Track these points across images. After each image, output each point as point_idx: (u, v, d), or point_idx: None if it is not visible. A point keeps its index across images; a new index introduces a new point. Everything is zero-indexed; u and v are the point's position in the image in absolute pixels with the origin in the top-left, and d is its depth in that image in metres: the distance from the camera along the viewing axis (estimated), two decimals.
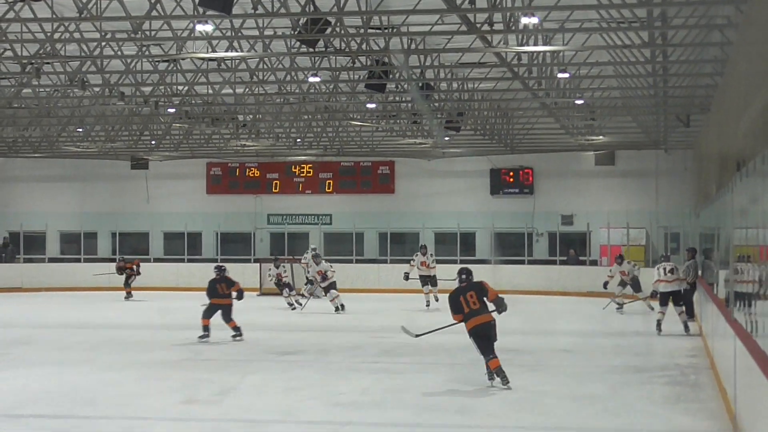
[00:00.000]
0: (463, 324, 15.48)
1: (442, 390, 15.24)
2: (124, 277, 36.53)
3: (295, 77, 28.48)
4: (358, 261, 41.42)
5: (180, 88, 30.82)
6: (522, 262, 40.31)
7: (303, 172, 46.80)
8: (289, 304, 31.10)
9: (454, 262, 40.51)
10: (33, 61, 26.56)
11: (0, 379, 16.33)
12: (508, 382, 14.84)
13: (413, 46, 24.97)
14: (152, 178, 46.77)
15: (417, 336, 16.99)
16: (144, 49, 25.53)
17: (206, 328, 21.37)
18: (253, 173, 47.24)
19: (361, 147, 43.55)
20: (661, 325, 22.66)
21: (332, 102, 32.70)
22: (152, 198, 46.91)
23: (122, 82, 29.50)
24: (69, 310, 31.45)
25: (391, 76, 26.75)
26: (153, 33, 23.59)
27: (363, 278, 39.42)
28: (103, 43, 24.64)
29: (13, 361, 18.63)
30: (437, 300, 29.39)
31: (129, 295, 36.18)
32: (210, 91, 31.27)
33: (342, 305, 29.25)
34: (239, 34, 23.52)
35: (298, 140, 41.58)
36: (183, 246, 44.35)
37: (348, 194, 46.20)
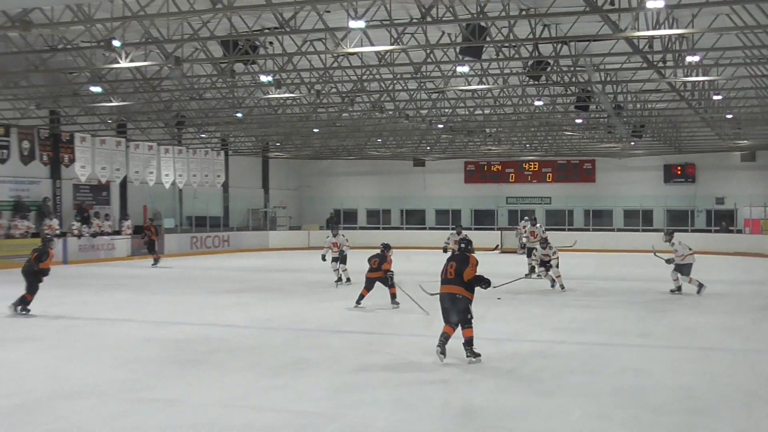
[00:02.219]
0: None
1: (630, 319, 14.98)
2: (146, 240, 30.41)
3: (524, 101, 28.44)
4: (569, 230, 41.06)
5: (446, 110, 31.17)
6: (686, 231, 39.43)
7: (531, 168, 46.90)
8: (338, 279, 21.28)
9: (637, 230, 40.28)
10: (349, 95, 27.33)
11: (323, 308, 16.79)
12: (440, 352, 10.80)
13: (608, 78, 24.61)
14: (427, 172, 47.59)
15: (432, 294, 13.05)
16: (421, 84, 25.93)
17: (361, 296, 16.22)
18: (496, 168, 47.48)
19: (571, 150, 43.39)
20: None
21: (551, 118, 32.44)
22: (427, 186, 47.64)
23: (407, 108, 30.02)
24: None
25: (592, 99, 26.44)
26: (428, 73, 23.94)
27: (571, 241, 39.01)
28: (395, 81, 25.15)
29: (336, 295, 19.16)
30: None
31: (155, 261, 29.31)
32: (466, 112, 31.47)
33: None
34: (486, 72, 23.61)
35: (527, 145, 41.50)
36: (455, 217, 45.06)
37: (562, 183, 46.06)
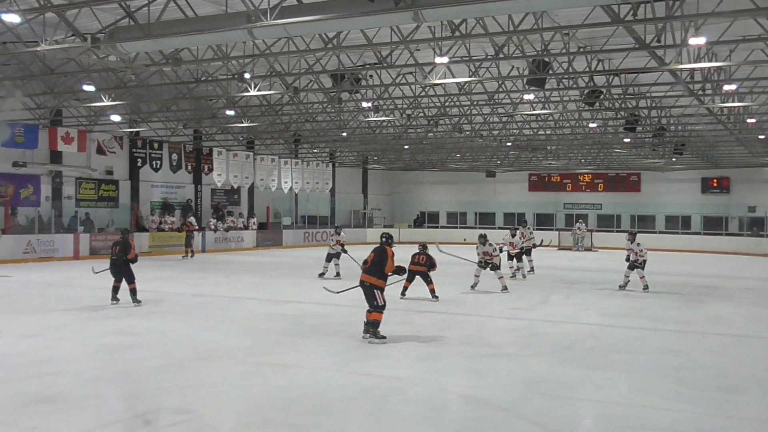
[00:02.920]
0: None
1: (670, 308, 14.55)
2: (184, 236, 27.55)
3: (580, 124, 27.94)
4: (617, 231, 40.18)
5: (514, 131, 30.83)
6: (721, 234, 38.19)
7: (584, 179, 45.91)
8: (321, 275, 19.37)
9: (677, 233, 39.19)
10: (433, 118, 27.29)
11: (409, 291, 16.74)
12: (368, 336, 10.30)
13: (654, 105, 24.01)
14: (497, 182, 46.95)
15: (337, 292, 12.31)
16: (494, 109, 25.71)
17: (404, 289, 15.07)
18: (555, 179, 46.68)
19: (619, 164, 42.35)
20: None
21: (603, 138, 31.75)
22: (497, 193, 47.16)
23: (481, 129, 29.80)
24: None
25: (640, 122, 25.79)
26: (499, 100, 23.71)
27: (620, 241, 38.28)
28: (472, 107, 24.98)
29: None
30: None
31: (188, 255, 26.81)
32: (531, 133, 31.07)
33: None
34: (548, 99, 23.30)
35: (582, 160, 40.73)
36: (520, 219, 44.44)
37: (611, 192, 44.89)
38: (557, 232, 39.23)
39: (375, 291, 10.33)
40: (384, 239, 10.99)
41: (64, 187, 27.93)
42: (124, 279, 13.73)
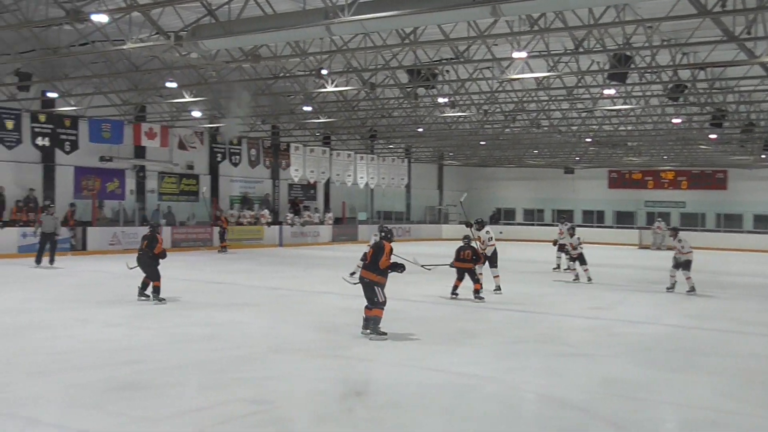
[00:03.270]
0: None
1: (755, 311, 14.05)
2: (219, 230, 27.19)
3: (663, 119, 27.23)
4: (702, 230, 39.13)
5: (594, 127, 30.26)
6: None
7: (667, 176, 44.70)
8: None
9: (765, 232, 37.86)
10: (510, 114, 27.03)
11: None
12: (368, 332, 10.19)
13: (743, 99, 23.22)
14: (576, 179, 46.19)
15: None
16: (573, 104, 25.29)
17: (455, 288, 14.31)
18: (637, 176, 45.62)
19: (705, 161, 41.03)
20: None
21: (687, 134, 30.83)
22: (576, 190, 46.39)
23: (560, 125, 29.36)
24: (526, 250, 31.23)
25: (727, 117, 24.96)
26: (578, 95, 23.31)
27: (706, 240, 37.35)
28: (550, 102, 24.61)
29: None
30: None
31: (223, 249, 26.52)
32: (611, 128, 30.43)
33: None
34: (630, 94, 22.80)
35: (665, 157, 39.71)
36: (599, 217, 44.05)
37: (696, 190, 43.63)
38: (638, 231, 38.48)
39: (375, 287, 10.19)
40: (383, 234, 10.69)
41: (147, 181, 28.79)
42: (147, 274, 13.14)
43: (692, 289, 15.91)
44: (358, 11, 11.95)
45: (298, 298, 14.45)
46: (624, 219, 43.98)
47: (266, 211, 31.78)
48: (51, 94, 22.74)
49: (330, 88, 20.66)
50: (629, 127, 29.97)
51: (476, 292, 14.18)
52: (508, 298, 14.81)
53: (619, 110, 25.80)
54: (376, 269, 10.20)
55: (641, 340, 10.62)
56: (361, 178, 37.52)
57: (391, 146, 39.34)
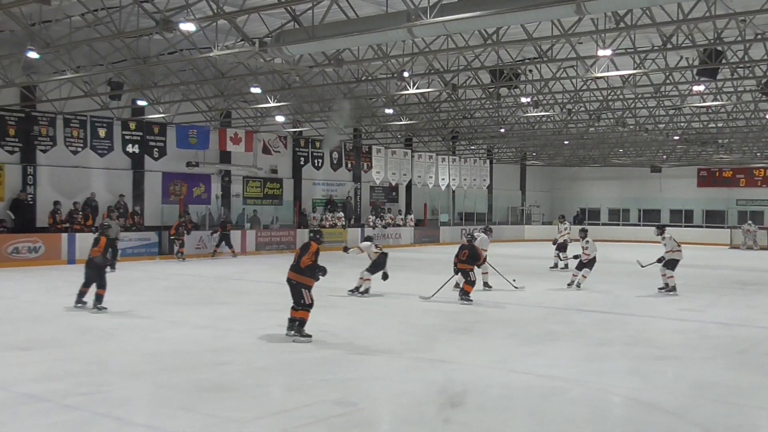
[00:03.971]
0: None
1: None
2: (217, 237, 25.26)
3: (756, 115, 26.29)
4: None
5: (682, 124, 29.46)
6: None
7: (760, 173, 42.96)
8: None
9: None
10: (595, 112, 26.52)
11: (566, 290, 16.32)
12: (292, 333, 10.01)
13: None
14: (663, 177, 44.98)
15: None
16: (660, 102, 24.69)
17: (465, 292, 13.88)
18: (728, 174, 44.03)
19: None
20: None
21: None
22: (663, 189, 45.20)
23: (646, 122, 28.69)
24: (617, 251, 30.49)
25: None
26: (666, 92, 22.75)
27: None
28: (636, 100, 24.03)
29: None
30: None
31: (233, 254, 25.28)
32: (700, 126, 29.54)
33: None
34: (720, 90, 22.10)
35: (758, 153, 38.25)
36: (687, 217, 42.82)
37: None
38: (728, 230, 37.20)
39: (302, 290, 10.00)
40: (311, 234, 10.64)
41: (232, 185, 29.43)
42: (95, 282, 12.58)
43: (666, 287, 15.44)
44: (440, 13, 11.94)
45: (381, 300, 14.52)
46: (714, 218, 42.55)
47: (341, 215, 31.96)
48: (141, 103, 23.45)
49: (412, 90, 20.70)
50: (720, 124, 29.05)
51: (465, 293, 13.73)
52: (593, 299, 14.56)
53: (709, 107, 25.03)
54: (301, 270, 10.01)
55: (734, 343, 10.30)
56: (443, 179, 37.47)
57: (473, 147, 39.16)
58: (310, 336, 10.00)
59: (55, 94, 21.71)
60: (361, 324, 11.63)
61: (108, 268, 13.11)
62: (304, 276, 10.04)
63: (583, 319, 12.34)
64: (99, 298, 12.45)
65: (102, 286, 12.52)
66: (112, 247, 19.67)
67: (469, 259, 13.90)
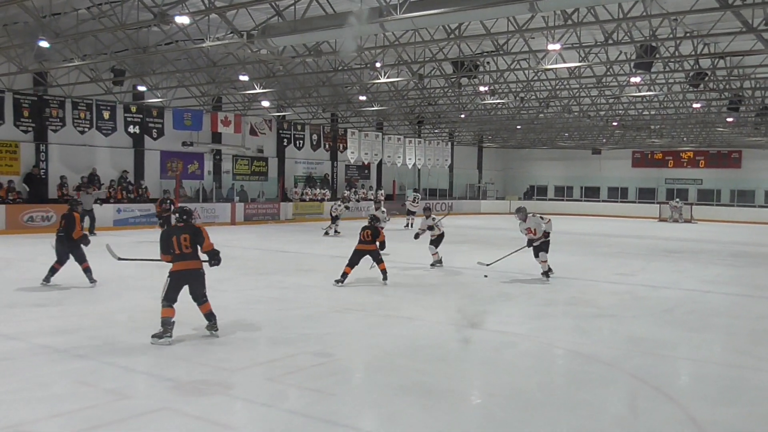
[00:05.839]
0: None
1: (730, 275, 13.68)
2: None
3: (684, 104, 26.53)
4: (717, 205, 38.29)
5: (620, 111, 29.65)
6: None
7: (686, 156, 43.35)
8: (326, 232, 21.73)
9: None
10: (544, 101, 26.56)
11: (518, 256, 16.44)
12: (214, 329, 7.74)
13: (758, 86, 22.44)
14: (603, 158, 45.26)
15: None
16: (601, 91, 24.80)
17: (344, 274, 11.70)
18: (658, 156, 44.33)
19: (721, 142, 39.69)
20: None
21: (706, 117, 29.95)
22: (602, 169, 45.50)
23: (589, 110, 28.81)
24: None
25: (743, 102, 24.20)
26: (607, 83, 22.83)
27: (720, 214, 36.47)
28: (580, 89, 24.10)
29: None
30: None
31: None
32: (636, 113, 29.78)
33: None
34: (654, 82, 22.24)
35: (684, 138, 38.62)
36: (623, 193, 43.39)
37: (712, 168, 42.13)
38: (658, 206, 37.81)
39: (203, 278, 7.78)
40: (185, 216, 7.76)
41: (223, 163, 29.20)
42: (73, 258, 10.98)
43: (548, 272, 12.62)
44: (408, 9, 11.88)
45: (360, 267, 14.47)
46: (646, 195, 43.08)
47: (326, 191, 31.86)
48: (141, 88, 23.15)
49: (383, 80, 20.59)
50: (653, 112, 29.27)
51: (383, 272, 11.90)
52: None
53: (644, 96, 25.21)
54: (197, 257, 7.75)
55: (661, 303, 10.48)
56: (410, 159, 37.37)
57: (436, 131, 39.11)
58: (168, 336, 7.46)
59: (64, 80, 21.50)
60: (338, 286, 11.59)
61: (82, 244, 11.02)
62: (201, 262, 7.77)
63: (533, 283, 12.47)
64: (88, 272, 11.05)
65: (83, 260, 11.01)
66: (90, 217, 19.76)
67: (372, 239, 11.87)
